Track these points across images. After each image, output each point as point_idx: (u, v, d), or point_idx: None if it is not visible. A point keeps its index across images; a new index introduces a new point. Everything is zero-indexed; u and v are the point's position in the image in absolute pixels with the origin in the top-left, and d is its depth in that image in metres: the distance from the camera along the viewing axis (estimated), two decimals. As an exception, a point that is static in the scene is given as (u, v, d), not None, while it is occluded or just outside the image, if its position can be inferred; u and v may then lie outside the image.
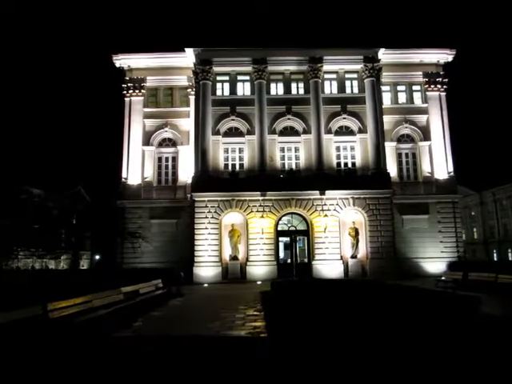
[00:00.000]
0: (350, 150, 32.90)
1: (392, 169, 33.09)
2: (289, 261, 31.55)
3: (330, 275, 29.27)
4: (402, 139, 34.58)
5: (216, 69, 33.09)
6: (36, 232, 32.35)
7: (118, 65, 35.96)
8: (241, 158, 32.71)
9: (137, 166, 34.60)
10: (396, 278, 27.67)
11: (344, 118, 32.83)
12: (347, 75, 33.74)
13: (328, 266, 29.96)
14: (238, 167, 32.48)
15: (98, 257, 57.83)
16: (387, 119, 33.59)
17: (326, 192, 30.74)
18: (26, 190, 31.53)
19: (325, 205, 30.87)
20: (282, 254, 31.76)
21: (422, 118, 34.54)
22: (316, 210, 30.81)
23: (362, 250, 30.77)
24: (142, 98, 35.58)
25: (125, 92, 35.74)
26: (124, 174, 34.67)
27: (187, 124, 34.98)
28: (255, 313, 13.21)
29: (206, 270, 30.02)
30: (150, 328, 11.03)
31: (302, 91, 33.52)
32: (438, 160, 33.92)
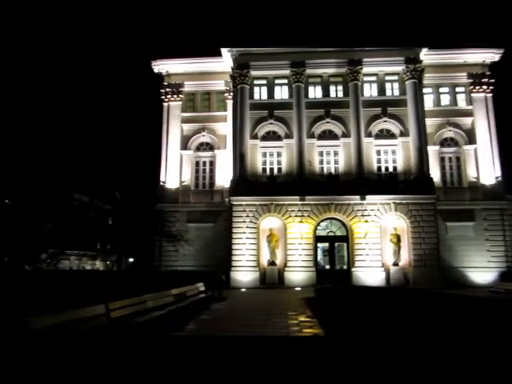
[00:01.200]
0: (390, 153, 32.01)
1: (435, 173, 31.96)
2: (327, 267, 30.88)
3: (370, 283, 28.42)
4: (445, 143, 33.41)
5: (253, 73, 33.00)
6: (75, 234, 33.04)
7: (156, 70, 36.49)
8: (279, 162, 32.39)
9: (175, 170, 34.89)
10: (440, 287, 26.59)
11: (385, 121, 32.02)
12: (387, 77, 32.94)
13: (368, 274, 29.09)
14: (276, 171, 32.17)
15: (131, 259, 58.57)
16: (429, 122, 32.56)
17: (367, 197, 29.95)
18: (68, 194, 32.24)
19: (365, 210, 30.06)
20: (320, 260, 31.12)
21: (466, 121, 33.28)
22: (356, 216, 30.04)
23: (405, 258, 29.73)
24: (180, 102, 35.94)
25: (163, 97, 36.22)
26: (162, 178, 35.05)
27: (224, 128, 35.06)
28: (308, 319, 12.75)
29: (244, 274, 29.73)
30: (205, 331, 10.78)
31: (340, 94, 32.96)
32: (484, 164, 32.53)
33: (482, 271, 30.42)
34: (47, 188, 30.55)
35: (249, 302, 19.35)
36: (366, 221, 29.76)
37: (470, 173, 32.69)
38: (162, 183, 35.02)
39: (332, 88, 33.17)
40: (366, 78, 32.76)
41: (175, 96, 35.97)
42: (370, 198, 30.01)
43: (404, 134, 31.67)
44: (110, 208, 36.87)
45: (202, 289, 19.53)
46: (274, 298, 21.28)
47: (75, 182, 37.18)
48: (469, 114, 33.42)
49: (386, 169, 31.82)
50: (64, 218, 30.99)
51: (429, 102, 33.55)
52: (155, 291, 13.72)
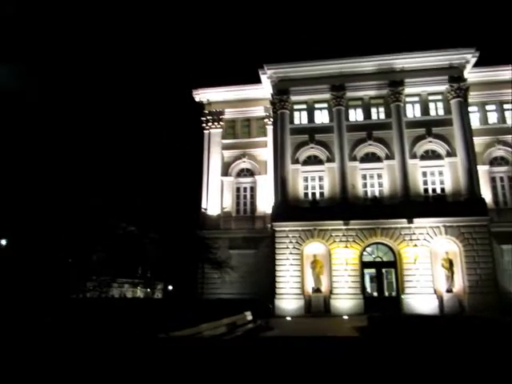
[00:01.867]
0: (437, 174, 30.90)
1: (486, 194, 30.45)
2: (375, 294, 29.67)
3: (422, 311, 26.97)
4: (495, 162, 31.96)
5: (293, 98, 33.13)
6: (119, 262, 33.52)
7: (197, 99, 37.37)
8: (321, 187, 31.93)
9: (216, 197, 35.10)
10: (499, 314, 24.86)
11: (430, 142, 31.09)
12: (431, 97, 32.18)
13: (420, 301, 27.66)
14: (318, 196, 31.68)
15: (170, 287, 58.80)
16: (477, 141, 31.29)
17: (415, 220, 28.83)
18: (115, 223, 32.97)
19: (413, 234, 28.90)
20: (367, 287, 29.98)
21: (516, 138, 31.78)
22: (404, 240, 28.91)
23: (458, 284, 28.15)
24: (221, 129, 36.50)
25: (204, 125, 36.92)
26: (204, 205, 35.27)
27: (265, 154, 35.18)
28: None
29: (288, 302, 29.00)
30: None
31: (382, 116, 32.43)
32: (539, 183, 30.74)
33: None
34: (96, 217, 31.35)
35: (299, 332, 18.65)
36: (415, 245, 28.55)
37: (524, 192, 30.94)
38: (203, 210, 35.23)
39: (373, 110, 32.71)
40: (408, 99, 32.14)
41: (216, 123, 36.60)
42: (417, 221, 28.88)
43: (451, 154, 30.58)
44: (153, 236, 37.27)
45: (250, 318, 19.14)
46: (324, 327, 20.49)
47: (120, 211, 38.01)
48: (519, 130, 31.94)
49: (434, 190, 30.65)
50: (112, 247, 31.60)
51: (475, 121, 32.39)
52: (206, 320, 13.49)
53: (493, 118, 32.92)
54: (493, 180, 31.81)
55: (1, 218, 21.70)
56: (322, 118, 33.22)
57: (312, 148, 32.42)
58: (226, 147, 36.19)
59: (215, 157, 36.08)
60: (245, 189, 35.60)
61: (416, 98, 32.27)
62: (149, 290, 56.44)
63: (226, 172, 35.69)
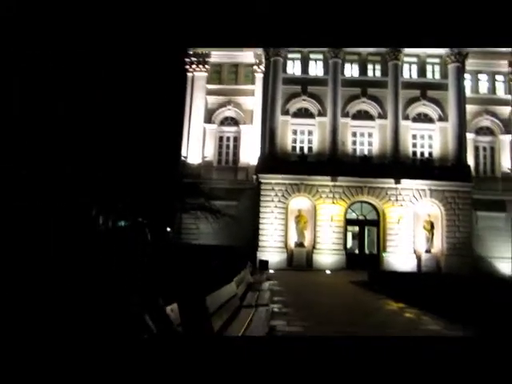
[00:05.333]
0: (427, 138, 30.91)
1: (469, 162, 30.94)
2: (356, 251, 29.96)
3: (401, 269, 27.46)
4: (480, 131, 32.32)
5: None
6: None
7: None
8: (310, 141, 31.05)
9: (197, 145, 33.32)
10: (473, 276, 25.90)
11: (423, 105, 30.79)
12: (429, 59, 31.58)
13: (400, 260, 28.27)
14: (306, 150, 30.83)
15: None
16: (467, 109, 31.31)
17: (402, 181, 28.89)
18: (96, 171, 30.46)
19: (399, 195, 29.05)
20: (349, 244, 30.17)
21: (504, 110, 32.15)
22: (389, 200, 29.04)
23: (437, 245, 28.96)
24: (206, 73, 34.14)
25: (187, 67, 34.34)
26: (184, 152, 33.42)
27: (251, 103, 33.49)
28: (396, 304, 11.68)
29: (271, 255, 28.55)
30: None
31: (378, 73, 31.57)
32: (519, 155, 31.60)
33: (510, 262, 29.74)
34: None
35: (297, 285, 18.11)
36: (401, 205, 28.78)
37: (505, 163, 31.77)
38: (183, 157, 33.36)
39: (370, 66, 31.72)
40: (406, 59, 31.34)
41: (201, 66, 34.12)
42: (404, 183, 28.98)
43: (443, 119, 30.53)
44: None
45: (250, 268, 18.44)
46: (321, 281, 20.29)
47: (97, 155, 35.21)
48: (507, 103, 32.30)
49: (422, 154, 30.73)
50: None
51: (466, 89, 32.29)
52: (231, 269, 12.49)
53: (483, 88, 32.94)
54: (476, 149, 32.27)
55: None
56: (316, 69, 31.82)
57: (304, 100, 31.16)
58: (210, 92, 34.02)
59: (198, 102, 33.88)
60: (228, 138, 34.00)
61: (414, 59, 31.53)
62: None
63: (209, 119, 33.76)
